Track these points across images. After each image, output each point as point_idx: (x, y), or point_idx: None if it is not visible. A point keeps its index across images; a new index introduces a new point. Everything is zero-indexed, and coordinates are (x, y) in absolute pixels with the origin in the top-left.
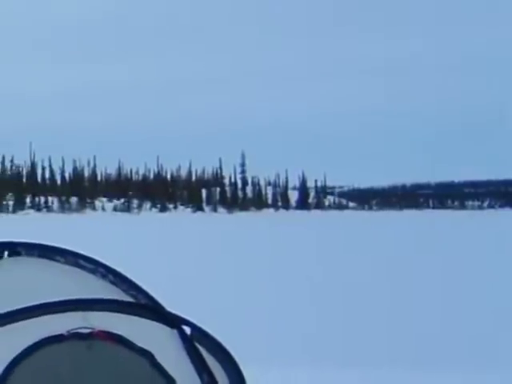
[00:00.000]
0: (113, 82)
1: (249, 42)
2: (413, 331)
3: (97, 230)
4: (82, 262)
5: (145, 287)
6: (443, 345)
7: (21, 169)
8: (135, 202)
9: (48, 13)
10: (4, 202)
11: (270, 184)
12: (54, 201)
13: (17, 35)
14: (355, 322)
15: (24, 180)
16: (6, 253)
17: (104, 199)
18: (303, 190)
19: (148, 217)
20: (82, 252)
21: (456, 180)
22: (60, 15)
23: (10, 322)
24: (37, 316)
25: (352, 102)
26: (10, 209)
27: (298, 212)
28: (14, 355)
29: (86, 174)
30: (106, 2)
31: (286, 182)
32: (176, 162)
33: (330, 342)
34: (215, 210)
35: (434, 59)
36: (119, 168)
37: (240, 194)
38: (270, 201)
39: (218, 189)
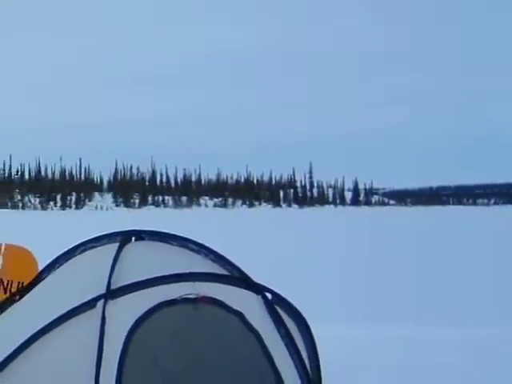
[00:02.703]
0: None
1: (319, 77)
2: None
3: (202, 221)
4: (189, 244)
5: (237, 264)
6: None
7: (144, 175)
8: (230, 200)
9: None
10: (132, 200)
11: (330, 186)
12: (169, 199)
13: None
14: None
15: (147, 183)
16: (133, 238)
17: (206, 198)
18: (355, 190)
19: (240, 211)
20: (190, 237)
21: (470, 183)
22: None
23: (137, 290)
24: (157, 285)
25: (392, 123)
26: (136, 205)
27: (352, 207)
28: (140, 314)
29: (193, 178)
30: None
31: (343, 184)
32: (260, 170)
33: (382, 305)
34: (289, 206)
35: (452, 91)
36: (218, 174)
37: (308, 194)
38: (330, 199)
39: (292, 190)
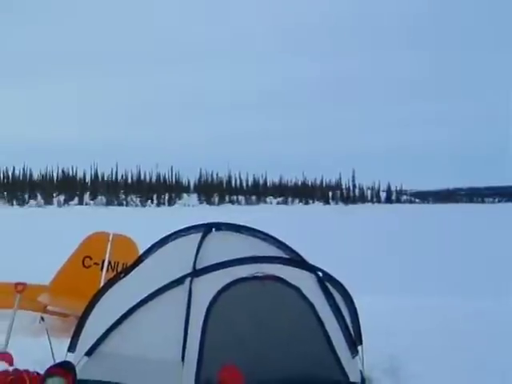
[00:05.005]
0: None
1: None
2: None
3: (267, 215)
4: (258, 234)
5: (296, 248)
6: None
7: (222, 179)
8: (290, 199)
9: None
10: (212, 199)
11: (369, 188)
12: (241, 198)
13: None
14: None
15: (224, 186)
16: (213, 229)
17: (271, 197)
18: (389, 191)
19: (297, 208)
20: (258, 228)
21: (479, 185)
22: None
23: (216, 269)
24: (232, 266)
25: (416, 139)
26: (216, 203)
27: (386, 205)
28: (218, 289)
29: (261, 182)
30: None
31: (379, 186)
32: (314, 175)
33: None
34: (337, 203)
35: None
36: (280, 178)
37: (351, 194)
38: (369, 198)
39: (339, 191)
